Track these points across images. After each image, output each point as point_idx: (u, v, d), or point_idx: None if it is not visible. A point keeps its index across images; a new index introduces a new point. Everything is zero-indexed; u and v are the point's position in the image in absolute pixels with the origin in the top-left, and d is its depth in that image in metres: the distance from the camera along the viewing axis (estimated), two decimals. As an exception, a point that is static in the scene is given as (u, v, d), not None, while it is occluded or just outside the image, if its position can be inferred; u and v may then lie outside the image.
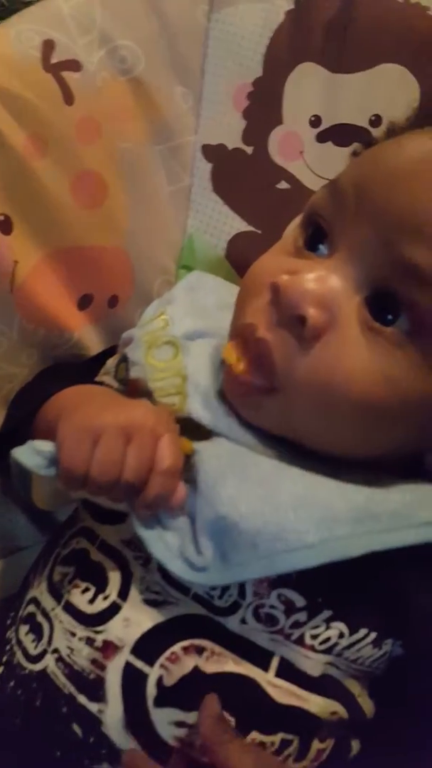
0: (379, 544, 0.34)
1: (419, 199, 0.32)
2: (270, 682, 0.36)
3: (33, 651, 0.39)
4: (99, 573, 0.38)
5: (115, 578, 0.38)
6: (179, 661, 0.36)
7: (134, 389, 0.41)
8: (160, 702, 0.36)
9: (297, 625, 0.36)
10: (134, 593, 0.37)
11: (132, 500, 0.35)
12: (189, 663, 0.36)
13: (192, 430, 0.38)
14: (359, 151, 0.42)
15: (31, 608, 0.41)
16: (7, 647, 0.41)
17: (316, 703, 0.37)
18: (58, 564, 0.41)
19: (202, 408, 0.39)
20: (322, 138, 0.53)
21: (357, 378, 0.34)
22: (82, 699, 0.36)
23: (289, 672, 0.36)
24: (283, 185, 0.54)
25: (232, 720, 0.35)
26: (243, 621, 0.36)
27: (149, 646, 0.36)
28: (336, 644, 0.36)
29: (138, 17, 0.51)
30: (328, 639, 0.36)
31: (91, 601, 0.38)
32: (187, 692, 0.35)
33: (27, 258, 0.48)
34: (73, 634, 0.38)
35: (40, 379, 0.50)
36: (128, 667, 0.36)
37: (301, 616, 0.36)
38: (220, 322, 0.42)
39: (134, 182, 0.52)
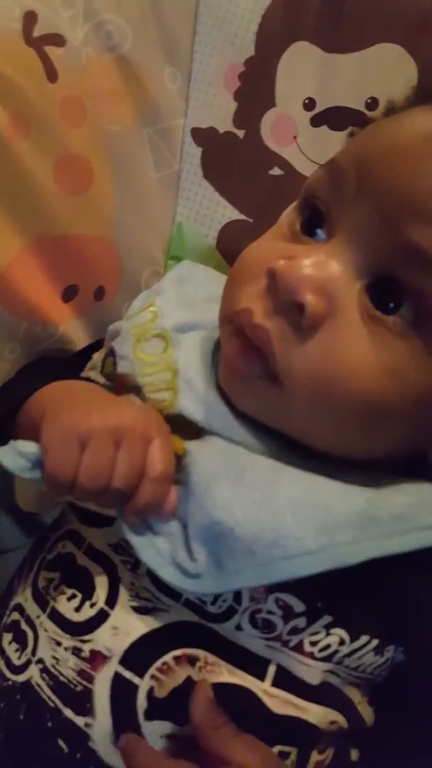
0: (381, 550, 0.32)
1: (422, 177, 0.31)
2: (266, 691, 0.35)
3: (17, 661, 0.38)
4: (85, 579, 0.37)
5: (102, 584, 0.37)
6: (171, 672, 0.35)
7: (121, 384, 0.40)
8: (150, 715, 0.34)
9: (295, 631, 0.35)
10: (123, 600, 0.36)
11: (121, 506, 0.34)
12: (181, 674, 0.35)
13: (183, 427, 0.36)
14: (356, 132, 0.40)
15: (15, 616, 0.40)
16: (-10, 657, 0.39)
17: (314, 713, 0.35)
18: (43, 569, 0.40)
19: (194, 404, 0.37)
20: (316, 122, 0.51)
21: (357, 370, 0.32)
22: (68, 712, 0.35)
23: (286, 681, 0.35)
24: (276, 171, 0.53)
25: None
26: (238, 627, 0.35)
27: (139, 655, 0.35)
28: (336, 652, 0.35)
29: (125, -10, 0.49)
30: (328, 646, 0.35)
31: (78, 608, 0.37)
32: (179, 704, 0.34)
33: (8, 246, 0.46)
34: (59, 644, 0.36)
35: (23, 375, 0.48)
36: (117, 678, 0.35)
37: (300, 622, 0.35)
38: (212, 314, 0.40)
39: (121, 167, 0.51)
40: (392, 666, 0.37)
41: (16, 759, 0.36)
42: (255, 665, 0.35)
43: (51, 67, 0.46)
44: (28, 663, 0.37)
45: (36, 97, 0.45)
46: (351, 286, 0.33)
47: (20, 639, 0.38)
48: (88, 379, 0.43)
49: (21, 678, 0.37)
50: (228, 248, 0.54)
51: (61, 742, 0.35)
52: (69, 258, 0.49)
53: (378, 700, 0.38)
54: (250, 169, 0.53)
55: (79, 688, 0.35)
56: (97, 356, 0.45)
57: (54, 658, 0.36)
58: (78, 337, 0.52)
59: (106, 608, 0.36)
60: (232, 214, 0.54)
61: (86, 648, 0.35)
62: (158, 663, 0.34)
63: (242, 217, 0.54)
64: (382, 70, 0.49)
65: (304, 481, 0.34)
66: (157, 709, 0.34)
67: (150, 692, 0.34)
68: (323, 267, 0.33)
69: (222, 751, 0.32)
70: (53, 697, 0.35)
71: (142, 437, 0.33)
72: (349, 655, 0.35)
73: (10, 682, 0.37)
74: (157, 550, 0.34)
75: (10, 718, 0.36)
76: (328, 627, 0.35)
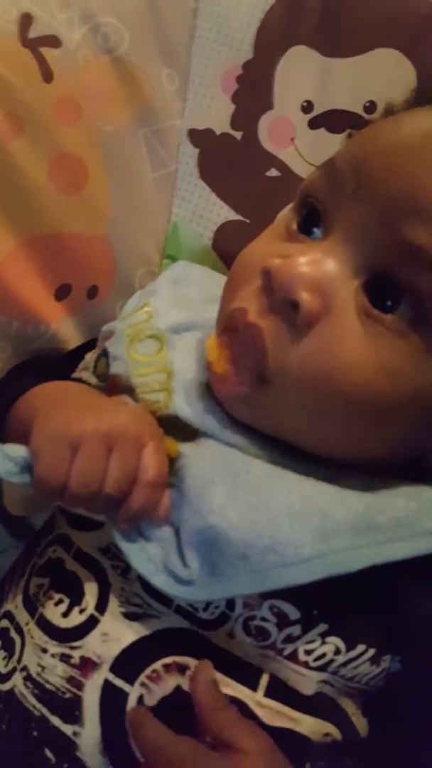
0: (380, 557, 0.31)
1: (422, 176, 0.30)
2: (258, 702, 0.34)
3: (3, 669, 0.37)
4: (73, 584, 0.36)
5: (91, 589, 0.36)
6: (160, 681, 0.34)
7: (114, 385, 0.39)
8: None
9: (290, 639, 0.34)
10: (113, 606, 0.35)
11: (112, 512, 0.33)
12: (171, 682, 0.34)
13: (177, 429, 0.36)
14: (354, 134, 0.40)
15: (5, 623, 0.39)
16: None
17: (307, 724, 0.35)
18: (34, 575, 0.39)
19: (188, 406, 0.36)
20: (314, 124, 0.51)
21: (353, 369, 0.31)
22: (55, 721, 0.34)
23: (279, 691, 0.34)
24: (273, 173, 0.52)
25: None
26: (231, 635, 0.34)
27: (129, 662, 0.34)
28: (332, 661, 0.34)
29: (122, -7, 0.49)
30: (323, 655, 0.34)
31: (65, 614, 0.36)
32: (168, 714, 0.33)
33: (0, 245, 0.45)
34: (45, 651, 0.35)
35: (13, 375, 0.48)
36: (107, 686, 0.34)
37: (295, 630, 0.34)
38: (207, 314, 0.39)
39: (116, 167, 0.51)
40: (387, 675, 0.36)
41: (1, 770, 0.35)
42: (247, 675, 0.34)
43: (46, 67, 0.45)
44: (13, 671, 0.36)
45: (31, 97, 0.45)
46: (347, 284, 0.32)
47: (8, 647, 0.37)
48: (79, 380, 0.42)
49: (5, 687, 0.36)
50: (224, 248, 0.53)
51: (47, 752, 0.34)
52: (62, 257, 0.49)
53: (372, 710, 0.37)
54: (247, 170, 0.52)
55: (68, 695, 0.34)
56: (90, 356, 0.44)
57: (39, 665, 0.35)
58: (70, 336, 0.51)
59: (96, 614, 0.35)
60: (228, 214, 0.53)
61: (76, 654, 0.35)
62: (148, 670, 0.34)
63: (238, 217, 0.53)
64: (380, 74, 0.49)
65: (302, 486, 0.33)
66: None
67: (140, 700, 0.33)
68: (319, 265, 0.32)
69: (223, 734, 0.31)
70: (38, 706, 0.34)
71: (135, 441, 0.32)
72: (345, 664, 0.34)
73: (-5, 691, 0.36)
74: (148, 557, 0.33)
75: (-6, 728, 0.35)
76: (323, 635, 0.34)
